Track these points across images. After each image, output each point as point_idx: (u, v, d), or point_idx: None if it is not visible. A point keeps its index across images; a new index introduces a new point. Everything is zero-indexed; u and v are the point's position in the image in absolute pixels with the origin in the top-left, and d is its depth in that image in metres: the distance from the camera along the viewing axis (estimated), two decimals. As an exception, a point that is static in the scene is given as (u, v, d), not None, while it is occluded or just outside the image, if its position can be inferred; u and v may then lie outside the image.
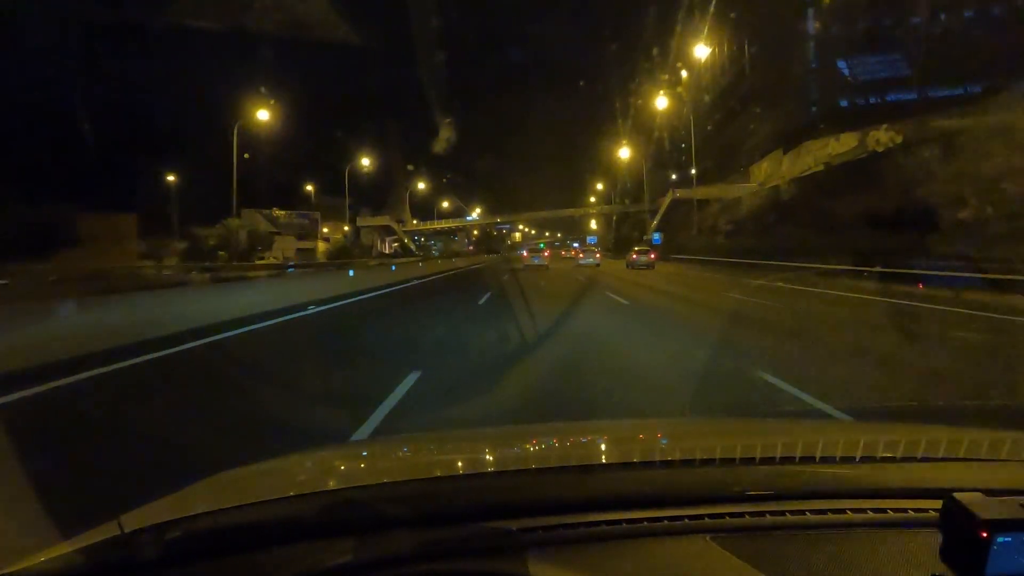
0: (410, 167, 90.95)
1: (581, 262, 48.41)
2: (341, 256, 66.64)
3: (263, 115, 45.07)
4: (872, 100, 42.91)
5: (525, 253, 53.44)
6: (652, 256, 42.00)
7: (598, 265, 45.07)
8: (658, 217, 70.91)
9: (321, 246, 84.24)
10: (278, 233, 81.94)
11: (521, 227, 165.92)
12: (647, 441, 1.86)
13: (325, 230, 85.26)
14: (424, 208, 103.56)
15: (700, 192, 60.80)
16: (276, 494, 1.28)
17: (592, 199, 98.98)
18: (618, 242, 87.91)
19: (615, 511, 1.17)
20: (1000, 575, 0.87)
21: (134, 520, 1.14)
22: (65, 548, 1.08)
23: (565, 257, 70.35)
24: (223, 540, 1.12)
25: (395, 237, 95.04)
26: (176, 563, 1.07)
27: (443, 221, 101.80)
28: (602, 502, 1.20)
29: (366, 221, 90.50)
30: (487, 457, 1.71)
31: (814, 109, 52.59)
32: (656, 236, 66.93)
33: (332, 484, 1.40)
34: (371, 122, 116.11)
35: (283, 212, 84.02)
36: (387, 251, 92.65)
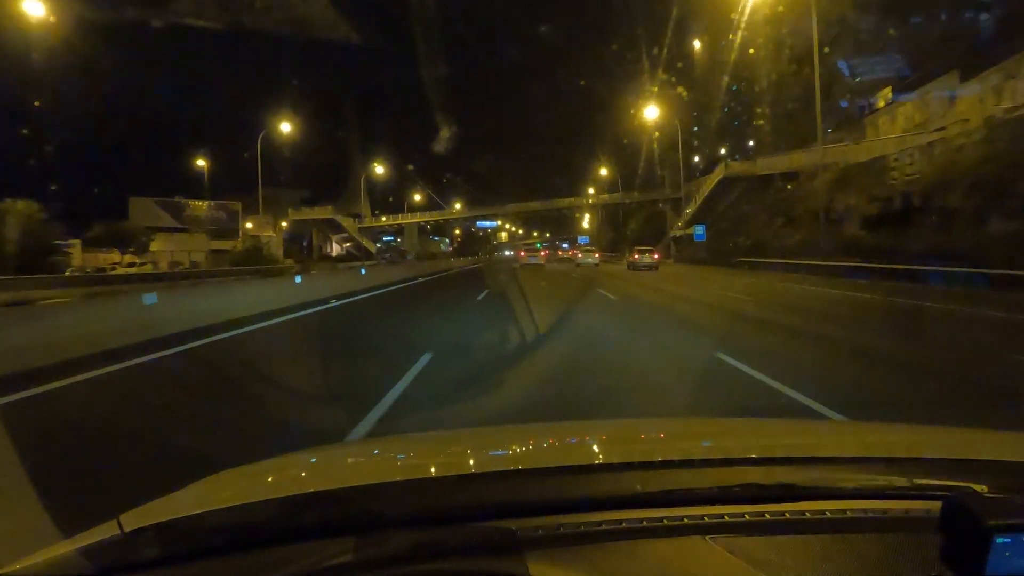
0: (370, 155, 69.62)
1: (579, 262, 44.81)
2: (252, 261, 45.49)
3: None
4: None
5: (523, 253, 55.23)
6: (656, 257, 36.79)
7: (597, 265, 41.74)
8: (697, 202, 50.07)
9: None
10: (183, 230, 61.04)
11: (508, 226, 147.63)
12: (647, 441, 1.84)
13: (249, 225, 64.10)
14: (395, 203, 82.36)
15: (778, 163, 40.16)
16: (276, 494, 1.27)
17: (591, 190, 77.68)
18: (620, 241, 67.97)
19: (615, 511, 1.15)
20: None
21: (134, 520, 1.11)
22: (65, 548, 1.06)
23: (561, 257, 65.41)
24: (223, 540, 1.09)
25: (345, 235, 73.50)
26: (176, 563, 1.05)
27: (411, 215, 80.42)
28: (602, 502, 1.17)
29: (302, 214, 68.84)
30: (487, 457, 1.67)
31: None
32: (699, 230, 46.10)
33: (332, 484, 1.33)
34: (323, 100, 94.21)
35: (200, 203, 62.67)
36: (334, 253, 71.58)
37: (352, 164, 71.64)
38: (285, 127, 48.08)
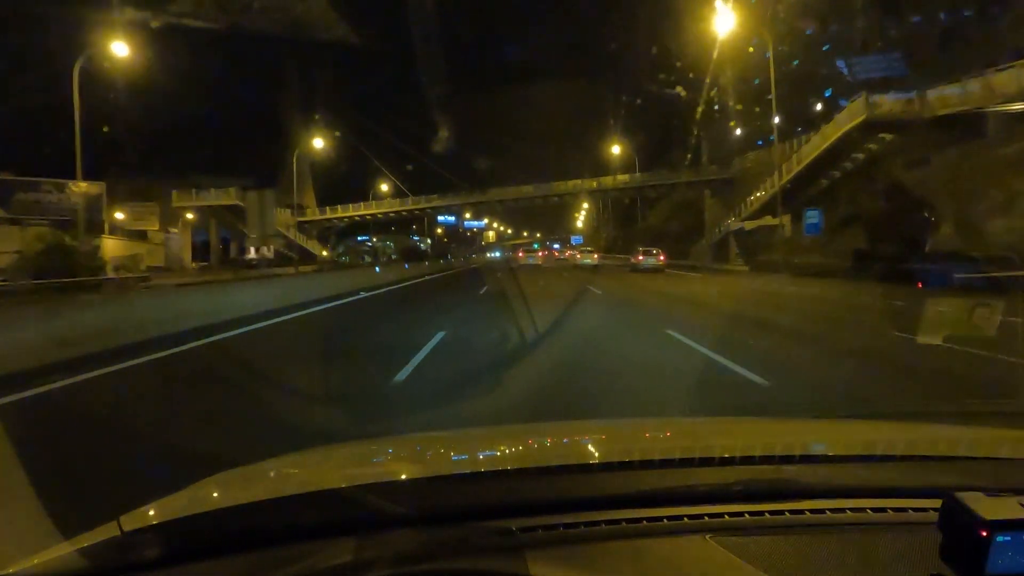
0: (325, 136, 49.99)
1: (579, 263, 44.04)
2: (55, 269, 26.15)
3: None
4: None
5: (521, 254, 57.46)
6: (662, 259, 33.42)
7: (596, 266, 40.17)
8: (788, 173, 30.66)
9: (124, 247, 43.19)
10: (15, 221, 41.22)
11: (496, 224, 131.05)
12: (647, 440, 1.80)
13: (120, 216, 44.15)
14: (364, 196, 62.76)
15: (1000, 83, 20.91)
16: (276, 494, 1.25)
17: (594, 182, 57.89)
18: (631, 241, 51.91)
19: (615, 510, 1.13)
20: (1000, 574, 0.85)
21: (134, 520, 1.11)
22: (65, 548, 1.05)
23: (557, 258, 61.57)
24: (223, 540, 1.08)
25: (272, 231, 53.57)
26: (176, 563, 1.04)
27: (364, 206, 60.60)
28: (602, 501, 1.16)
29: (191, 199, 48.63)
30: (487, 456, 1.64)
31: None
32: (812, 217, 26.80)
33: (332, 484, 1.32)
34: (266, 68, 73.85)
35: (53, 182, 42.64)
36: (256, 256, 51.89)
37: (287, 139, 51.72)
38: (119, 49, 28.15)
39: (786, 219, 32.66)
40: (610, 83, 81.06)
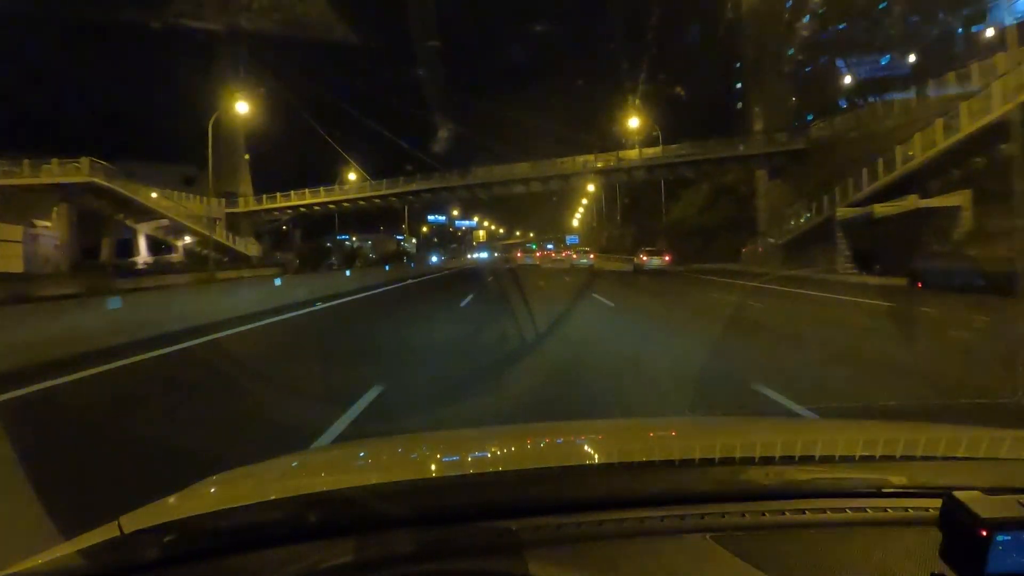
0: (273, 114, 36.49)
1: (575, 263, 43.31)
2: None
3: None
4: None
5: (519, 254, 59.47)
6: (667, 259, 32.57)
7: (592, 266, 40.12)
8: (1006, 108, 17.39)
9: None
10: None
11: (487, 223, 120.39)
12: (647, 440, 1.79)
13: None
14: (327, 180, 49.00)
15: None
16: (276, 494, 1.25)
17: (598, 162, 44.17)
18: (644, 239, 41.55)
19: (615, 510, 1.13)
20: (1000, 574, 0.84)
21: (134, 521, 1.10)
22: (65, 549, 1.05)
23: (554, 259, 55.60)
24: (223, 540, 1.08)
25: (165, 223, 39.66)
26: (176, 564, 1.04)
27: (321, 192, 46.94)
28: (602, 501, 1.16)
29: (24, 176, 34.02)
30: (487, 456, 1.65)
31: None
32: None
33: (332, 484, 1.32)
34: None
35: None
36: (150, 259, 38.36)
37: (200, 111, 37.96)
38: None
39: (962, 197, 19.23)
40: (629, 40, 67.97)
